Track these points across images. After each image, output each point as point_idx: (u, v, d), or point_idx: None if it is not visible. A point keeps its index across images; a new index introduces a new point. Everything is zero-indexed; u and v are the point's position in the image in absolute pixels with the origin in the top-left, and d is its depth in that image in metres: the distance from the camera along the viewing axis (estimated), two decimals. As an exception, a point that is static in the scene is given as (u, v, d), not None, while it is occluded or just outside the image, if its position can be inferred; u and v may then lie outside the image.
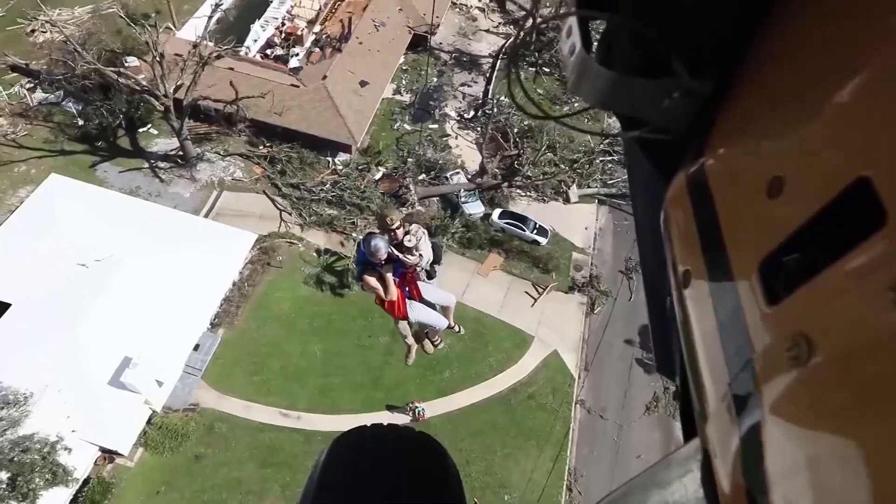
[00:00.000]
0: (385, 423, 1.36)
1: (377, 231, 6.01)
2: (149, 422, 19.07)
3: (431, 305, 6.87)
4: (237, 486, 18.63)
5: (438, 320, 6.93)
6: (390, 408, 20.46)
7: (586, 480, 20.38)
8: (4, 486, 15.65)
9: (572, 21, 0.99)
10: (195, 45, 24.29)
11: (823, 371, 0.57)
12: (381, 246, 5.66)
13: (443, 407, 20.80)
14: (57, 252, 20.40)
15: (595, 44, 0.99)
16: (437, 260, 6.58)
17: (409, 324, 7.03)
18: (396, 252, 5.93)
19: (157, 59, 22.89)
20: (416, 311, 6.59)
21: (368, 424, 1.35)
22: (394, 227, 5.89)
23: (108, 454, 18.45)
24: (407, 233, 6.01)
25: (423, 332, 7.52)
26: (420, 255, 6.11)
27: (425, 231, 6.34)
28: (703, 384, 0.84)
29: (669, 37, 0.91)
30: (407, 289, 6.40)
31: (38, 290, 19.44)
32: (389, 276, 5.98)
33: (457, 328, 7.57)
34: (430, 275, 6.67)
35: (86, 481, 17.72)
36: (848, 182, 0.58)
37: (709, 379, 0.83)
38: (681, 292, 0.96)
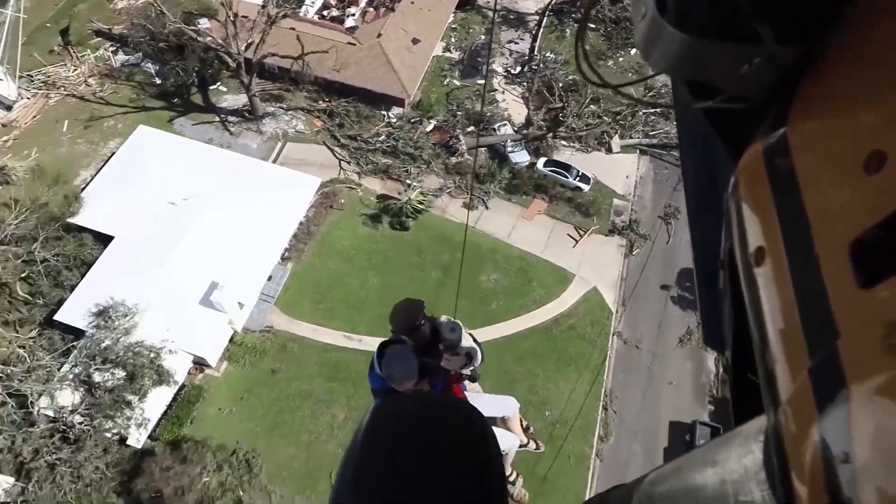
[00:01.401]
0: (427, 391, 1.48)
1: (396, 339, 4.18)
2: (231, 340, 21.79)
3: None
4: (308, 396, 21.22)
5: (506, 441, 5.00)
6: (442, 333, 22.57)
7: (620, 402, 22.15)
8: (124, 380, 18.55)
9: None
10: (263, 6, 26.38)
11: None
12: (408, 368, 3.84)
13: (490, 334, 22.77)
14: (149, 192, 23.14)
15: (669, 5, 0.91)
16: (479, 356, 4.61)
17: None
18: (430, 360, 4.25)
19: (232, 18, 25.06)
20: None
21: (411, 393, 1.38)
22: (420, 323, 4.21)
23: (199, 365, 21.28)
24: (436, 326, 4.31)
25: None
26: (466, 352, 4.44)
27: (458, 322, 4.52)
28: (776, 367, 0.78)
29: (757, 0, 0.83)
30: None
31: (136, 224, 22.25)
32: None
33: (533, 445, 5.75)
34: (473, 377, 4.84)
35: (182, 386, 20.59)
36: None
37: (783, 362, 0.77)
38: (751, 271, 0.88)
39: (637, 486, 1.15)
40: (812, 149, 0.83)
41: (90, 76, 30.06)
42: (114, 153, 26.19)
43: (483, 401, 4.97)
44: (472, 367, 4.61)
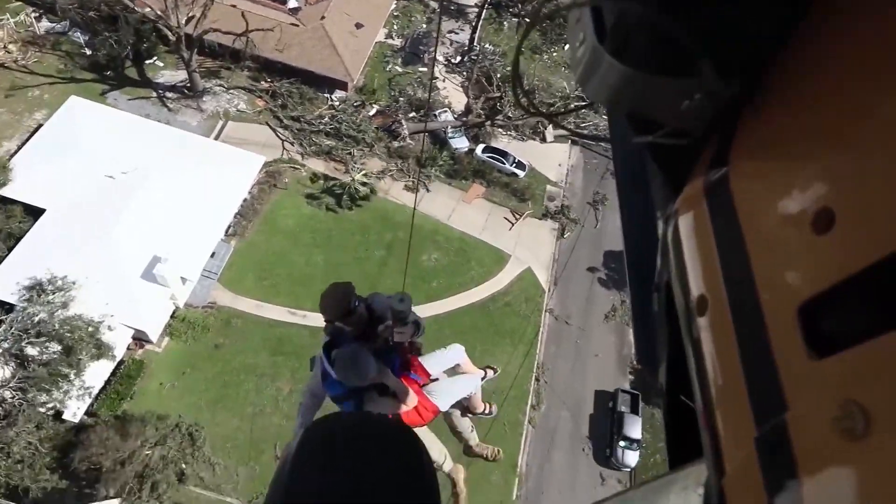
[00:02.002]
0: (356, 412, 1.33)
1: (334, 334, 4.08)
2: (173, 315, 21.68)
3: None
4: (253, 370, 21.51)
5: (467, 383, 5.07)
6: (385, 309, 23.42)
7: (551, 373, 23.86)
8: (60, 354, 18.18)
9: (584, 9, 0.91)
10: (205, -20, 26.00)
11: (885, 451, 0.48)
12: (365, 365, 3.81)
13: (431, 311, 23.84)
14: (84, 165, 22.50)
15: (609, 34, 0.88)
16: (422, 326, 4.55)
17: (452, 420, 5.45)
18: (379, 344, 4.17)
19: (171, -10, 24.61)
20: (443, 394, 4.62)
21: (340, 413, 1.23)
22: (353, 306, 3.94)
23: (140, 341, 21.07)
24: (370, 305, 4.16)
25: (461, 426, 5.62)
26: (415, 321, 4.37)
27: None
28: (720, 430, 0.75)
29: (696, 33, 0.81)
30: (413, 375, 4.50)
31: (70, 196, 21.62)
32: (393, 381, 4.15)
33: (491, 372, 5.57)
34: (418, 349, 4.77)
35: (121, 362, 20.35)
36: None
37: (726, 423, 0.74)
38: (693, 319, 0.85)
39: None
40: (754, 197, 0.78)
41: (10, 42, 28.47)
42: (41, 124, 25.12)
43: (434, 359, 4.77)
44: (419, 336, 4.50)
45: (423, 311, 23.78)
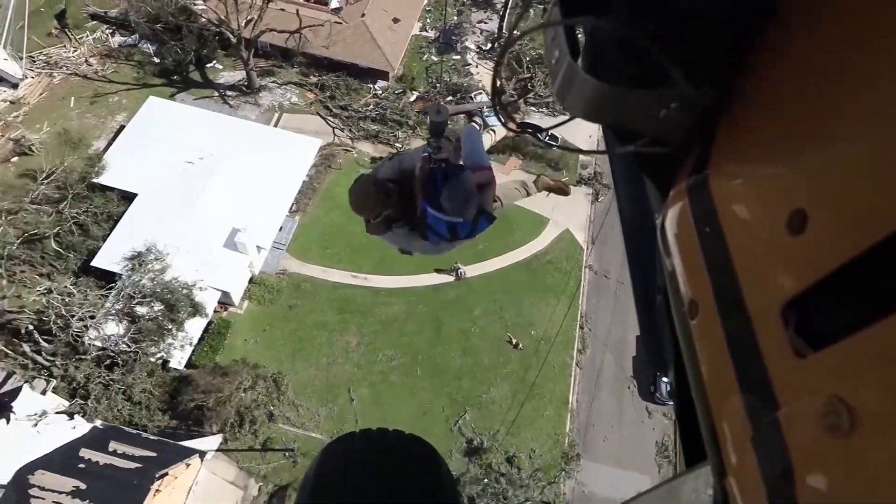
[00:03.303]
0: (374, 428, 1.35)
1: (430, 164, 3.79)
2: (250, 281, 24.38)
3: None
4: (323, 327, 24.01)
5: (504, 188, 4.98)
6: (438, 270, 25.73)
7: (594, 321, 25.73)
8: (163, 311, 20.98)
9: (557, 27, 0.93)
10: (259, -14, 28.89)
11: (872, 448, 0.49)
12: (471, 195, 3.69)
13: (480, 270, 26.04)
14: (166, 154, 25.45)
15: (582, 50, 0.91)
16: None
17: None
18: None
19: (232, -4, 27.54)
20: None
21: (357, 431, 1.32)
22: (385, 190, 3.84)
23: (224, 304, 23.79)
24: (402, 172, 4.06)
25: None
26: (456, 137, 4.28)
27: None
28: (718, 430, 0.77)
29: (665, 44, 0.83)
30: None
31: (157, 181, 24.56)
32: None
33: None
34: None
35: (210, 322, 23.08)
36: (888, 232, 0.51)
37: (726, 427, 0.76)
38: (686, 322, 0.88)
39: None
40: (733, 201, 0.80)
41: (90, 56, 31.90)
42: (122, 125, 28.27)
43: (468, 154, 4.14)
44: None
45: (472, 270, 26.07)
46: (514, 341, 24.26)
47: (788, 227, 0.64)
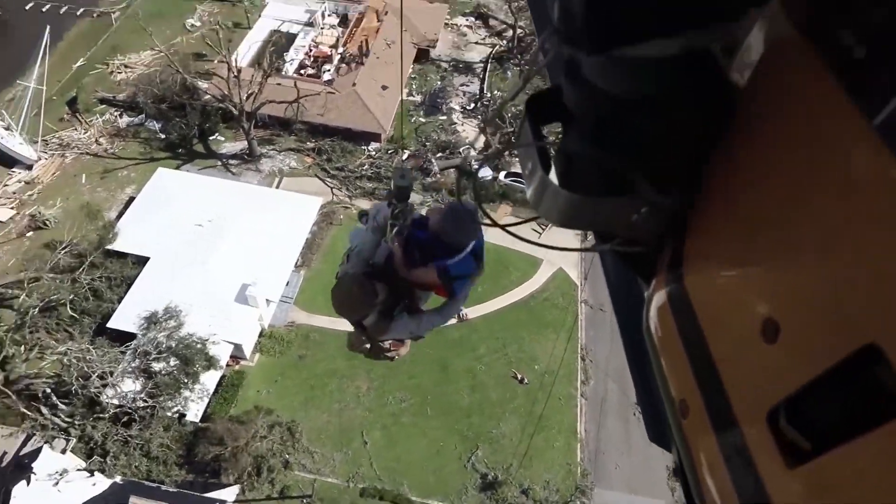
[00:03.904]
0: None
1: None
2: (260, 335, 25.21)
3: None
4: (333, 374, 24.69)
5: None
6: (440, 313, 26.69)
7: (594, 353, 26.61)
8: (179, 366, 21.68)
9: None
10: (259, 64, 31.36)
11: None
12: (473, 223, 3.51)
13: (480, 311, 27.07)
14: (176, 219, 26.86)
15: (553, 162, 0.96)
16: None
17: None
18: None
19: (235, 74, 29.85)
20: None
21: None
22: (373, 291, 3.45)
23: (236, 358, 24.50)
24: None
25: None
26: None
27: None
28: None
29: (629, 157, 0.87)
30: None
31: (169, 244, 25.82)
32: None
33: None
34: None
35: (224, 376, 23.72)
36: (855, 348, 0.51)
37: None
38: (679, 420, 0.88)
39: None
40: (709, 303, 0.81)
41: (100, 136, 33.87)
42: (132, 197, 29.84)
43: None
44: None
45: (473, 311, 27.08)
46: (518, 376, 25.01)
47: (763, 335, 0.64)
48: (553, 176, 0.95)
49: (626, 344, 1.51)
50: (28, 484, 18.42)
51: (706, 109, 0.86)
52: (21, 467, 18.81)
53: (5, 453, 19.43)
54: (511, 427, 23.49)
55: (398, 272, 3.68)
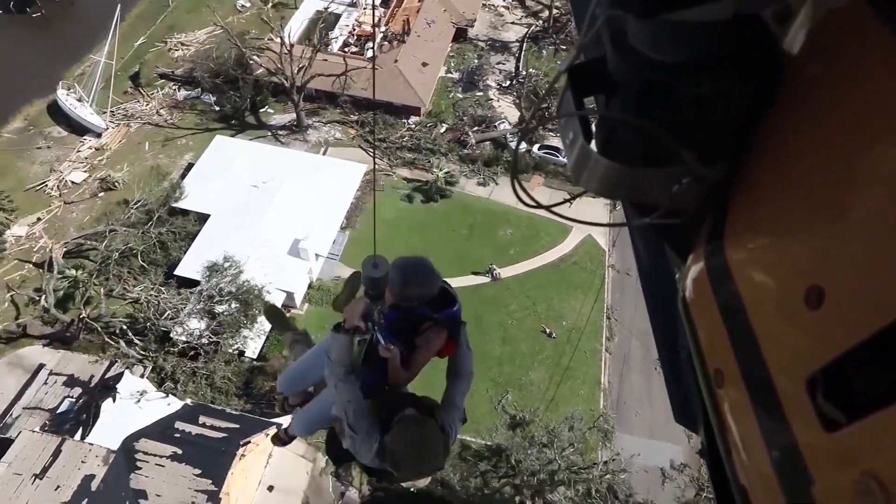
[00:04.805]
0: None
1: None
2: (309, 287, 27.46)
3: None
4: (375, 324, 26.78)
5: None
6: (475, 272, 28.59)
7: (619, 314, 28.13)
8: (239, 308, 24.05)
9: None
10: (308, 40, 33.48)
11: None
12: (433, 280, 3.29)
13: (512, 271, 28.86)
14: (233, 181, 29.25)
15: (594, 131, 0.92)
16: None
17: None
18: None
19: (287, 50, 32.02)
20: None
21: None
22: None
23: (287, 307, 26.77)
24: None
25: None
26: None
27: None
28: (751, 496, 0.77)
29: (673, 127, 0.85)
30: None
31: (227, 203, 28.22)
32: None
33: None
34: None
35: (276, 322, 26.02)
36: None
37: (758, 492, 0.75)
38: (713, 389, 0.87)
39: None
40: (751, 272, 0.79)
41: (160, 108, 36.59)
42: (191, 163, 32.39)
43: None
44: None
45: (506, 272, 28.87)
46: (547, 331, 26.75)
47: (806, 302, 0.64)
48: (594, 146, 0.95)
49: (660, 344, 1.51)
50: (114, 401, 21.02)
51: (755, 78, 0.87)
52: (107, 388, 21.44)
53: (93, 376, 22.09)
54: (539, 376, 25.27)
55: (395, 379, 3.29)
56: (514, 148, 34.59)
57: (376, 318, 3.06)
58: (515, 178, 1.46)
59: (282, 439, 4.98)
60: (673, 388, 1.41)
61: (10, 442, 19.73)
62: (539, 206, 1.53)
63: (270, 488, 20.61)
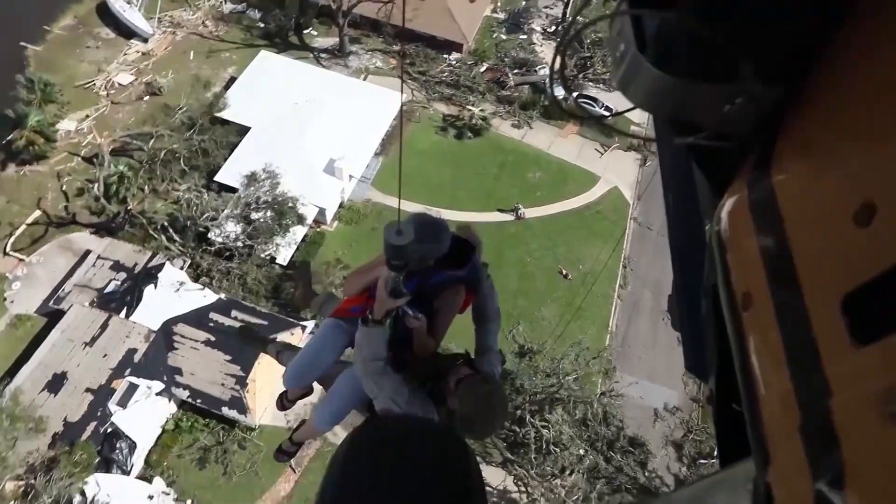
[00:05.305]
0: (405, 416, 1.34)
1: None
2: (340, 206, 28.55)
3: None
4: (400, 248, 27.94)
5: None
6: (500, 210, 29.42)
7: (635, 264, 28.96)
8: (273, 216, 25.27)
9: (623, 18, 0.93)
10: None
11: None
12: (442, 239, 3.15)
13: (536, 213, 29.63)
14: (275, 96, 29.97)
15: (648, 42, 0.90)
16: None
17: None
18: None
19: (337, -31, 32.07)
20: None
21: (389, 419, 1.28)
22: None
23: (318, 222, 28.00)
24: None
25: None
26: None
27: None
28: (765, 419, 0.77)
29: (735, 39, 0.81)
30: None
31: (269, 118, 29.06)
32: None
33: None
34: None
35: (306, 235, 27.28)
36: None
37: (773, 415, 0.75)
38: (738, 314, 0.88)
39: None
40: (798, 195, 0.79)
41: (206, 19, 37.01)
42: (233, 76, 33.06)
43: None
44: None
45: (530, 212, 29.65)
46: (564, 272, 27.73)
47: (855, 219, 0.64)
48: (647, 56, 0.90)
49: (679, 289, 1.50)
50: (155, 287, 22.61)
51: None
52: (149, 275, 23.00)
53: (136, 263, 23.65)
54: (551, 312, 26.41)
55: (422, 349, 3.22)
56: (549, 87, 34.87)
57: (402, 290, 2.75)
58: (553, 115, 1.41)
59: (286, 451, 4.66)
60: (688, 334, 1.42)
61: (62, 313, 21.48)
62: (587, 116, 1.52)
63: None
